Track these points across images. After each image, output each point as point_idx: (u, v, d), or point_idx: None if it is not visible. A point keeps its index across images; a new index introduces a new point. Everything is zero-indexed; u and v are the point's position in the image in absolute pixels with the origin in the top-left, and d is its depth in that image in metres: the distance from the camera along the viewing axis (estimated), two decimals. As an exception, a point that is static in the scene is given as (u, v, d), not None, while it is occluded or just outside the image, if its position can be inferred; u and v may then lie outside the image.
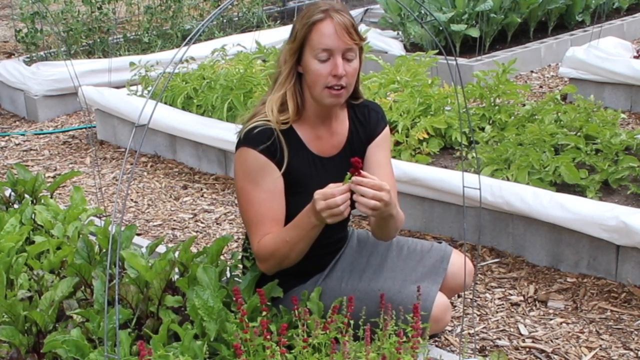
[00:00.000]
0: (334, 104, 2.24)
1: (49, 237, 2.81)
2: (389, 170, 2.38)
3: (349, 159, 2.36)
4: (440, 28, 6.24)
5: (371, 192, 2.02)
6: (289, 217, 2.24)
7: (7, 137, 5.43)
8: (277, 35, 6.41)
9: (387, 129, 2.42)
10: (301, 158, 2.28)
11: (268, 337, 1.97)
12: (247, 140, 2.23)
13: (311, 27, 2.15)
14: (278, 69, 2.27)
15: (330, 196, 2.02)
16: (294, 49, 2.19)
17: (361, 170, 2.06)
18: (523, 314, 2.87)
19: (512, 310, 2.90)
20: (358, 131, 2.37)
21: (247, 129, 2.24)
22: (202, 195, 4.18)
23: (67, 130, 5.48)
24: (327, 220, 2.05)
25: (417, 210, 3.56)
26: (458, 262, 2.45)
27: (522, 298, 2.98)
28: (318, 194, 2.04)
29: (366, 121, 2.38)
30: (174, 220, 3.89)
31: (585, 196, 3.13)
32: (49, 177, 4.58)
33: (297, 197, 2.28)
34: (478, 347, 2.66)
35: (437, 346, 2.59)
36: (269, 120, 2.24)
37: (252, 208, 2.23)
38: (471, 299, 2.95)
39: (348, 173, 2.05)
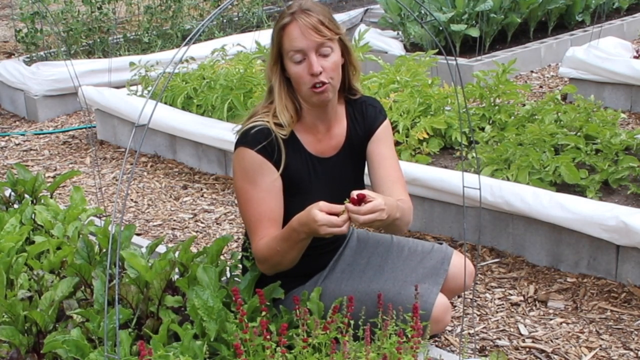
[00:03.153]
0: (321, 101, 2.23)
1: (49, 237, 2.81)
2: (393, 163, 2.38)
3: (349, 158, 2.36)
4: (440, 28, 6.24)
5: (368, 220, 2.02)
6: (289, 217, 2.24)
7: (7, 137, 5.43)
8: (277, 35, 6.38)
9: (386, 122, 2.42)
10: (299, 159, 2.29)
11: (268, 337, 1.97)
12: (244, 140, 2.25)
13: (281, 33, 2.18)
14: (268, 80, 2.28)
15: (334, 225, 2.02)
16: (274, 57, 2.22)
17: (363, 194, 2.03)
18: (523, 314, 2.87)
19: (512, 310, 2.90)
20: (356, 128, 2.37)
21: (245, 129, 2.26)
22: (202, 195, 4.18)
23: (67, 130, 5.49)
24: (325, 233, 2.06)
25: (417, 210, 3.55)
26: (459, 263, 2.45)
27: (522, 298, 2.98)
28: (323, 220, 2.02)
29: (364, 117, 2.38)
30: (174, 220, 3.89)
31: (585, 196, 3.14)
32: (49, 177, 4.58)
33: (296, 197, 2.28)
34: (478, 347, 2.66)
35: (437, 346, 2.59)
36: (267, 121, 2.24)
37: (251, 207, 2.24)
38: (471, 299, 2.95)
39: (347, 200, 2.02)
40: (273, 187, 2.24)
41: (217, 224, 3.81)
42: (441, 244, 2.54)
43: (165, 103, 4.75)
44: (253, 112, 2.31)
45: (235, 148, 2.27)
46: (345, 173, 2.36)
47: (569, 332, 2.73)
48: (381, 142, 2.38)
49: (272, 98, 2.28)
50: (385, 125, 2.41)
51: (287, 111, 2.25)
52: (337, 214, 2.03)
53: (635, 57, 5.33)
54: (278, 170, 2.24)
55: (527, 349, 2.64)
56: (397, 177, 2.34)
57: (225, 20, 7.38)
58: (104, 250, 2.67)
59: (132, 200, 4.18)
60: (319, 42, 2.15)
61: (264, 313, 2.08)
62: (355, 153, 2.37)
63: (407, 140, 3.75)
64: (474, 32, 6.08)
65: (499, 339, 2.72)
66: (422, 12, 6.55)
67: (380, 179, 2.33)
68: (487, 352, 2.62)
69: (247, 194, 2.24)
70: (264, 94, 2.36)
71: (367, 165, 2.39)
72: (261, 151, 2.22)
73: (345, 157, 2.36)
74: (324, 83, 2.18)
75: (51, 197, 3.27)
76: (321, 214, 2.02)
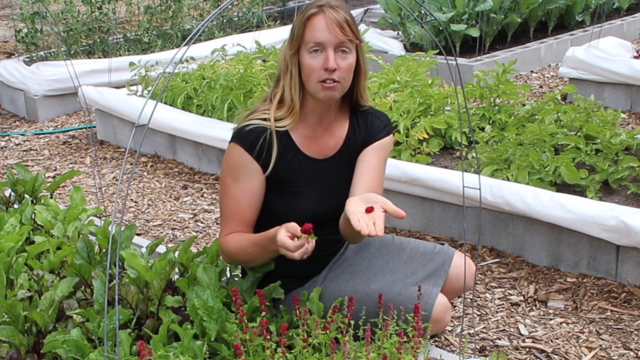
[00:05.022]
0: (328, 98, 2.22)
1: (49, 237, 2.81)
2: (377, 176, 2.33)
3: (345, 162, 2.35)
4: (440, 28, 6.24)
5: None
6: (277, 215, 2.25)
7: (7, 137, 5.43)
8: (277, 35, 6.41)
9: (389, 138, 2.39)
10: (291, 159, 2.28)
11: (268, 337, 1.97)
12: (237, 136, 2.27)
13: (305, 22, 2.18)
14: (279, 67, 2.28)
15: (286, 249, 2.01)
16: (293, 46, 2.21)
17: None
18: (523, 314, 2.87)
19: (512, 310, 2.90)
20: (356, 134, 2.36)
21: (241, 125, 2.28)
22: (202, 195, 4.18)
23: (67, 130, 5.48)
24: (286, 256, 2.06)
25: (417, 210, 3.56)
26: (460, 264, 2.44)
27: (522, 298, 2.98)
28: (280, 240, 2.01)
29: (367, 126, 2.36)
30: (174, 220, 3.89)
31: (585, 196, 3.14)
32: (49, 177, 4.58)
33: (286, 196, 2.29)
34: (478, 347, 2.67)
35: (437, 346, 2.59)
36: (265, 119, 2.25)
37: (226, 201, 2.30)
38: (471, 299, 2.95)
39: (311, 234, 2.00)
40: (251, 190, 2.27)
41: (217, 224, 3.81)
42: (442, 244, 2.54)
43: (165, 103, 4.75)
44: (254, 109, 2.32)
45: (229, 142, 2.30)
46: (339, 176, 2.35)
47: (569, 332, 2.73)
48: (375, 152, 2.35)
49: (277, 90, 2.28)
50: (387, 141, 2.38)
51: (295, 99, 2.24)
52: (296, 237, 2.01)
53: (635, 57, 5.33)
54: (265, 171, 2.25)
55: (527, 349, 2.64)
56: (373, 190, 2.27)
57: (225, 20, 7.37)
58: (104, 250, 2.67)
59: (132, 200, 4.18)
60: (341, 39, 2.16)
61: (264, 313, 2.08)
62: (351, 158, 2.36)
63: (407, 140, 3.75)
64: (474, 32, 6.09)
65: (499, 339, 2.72)
66: (422, 12, 6.55)
67: (356, 185, 2.28)
68: (487, 352, 2.62)
69: (227, 187, 2.29)
70: (267, 89, 2.36)
71: (354, 169, 2.34)
72: (250, 150, 2.24)
73: (340, 160, 2.35)
74: (334, 81, 2.18)
75: (51, 197, 3.27)
76: (282, 233, 2.02)
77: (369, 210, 1.94)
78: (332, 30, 2.14)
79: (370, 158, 2.34)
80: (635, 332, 2.71)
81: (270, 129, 2.24)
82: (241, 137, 2.25)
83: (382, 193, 2.34)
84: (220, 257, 2.44)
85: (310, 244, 2.01)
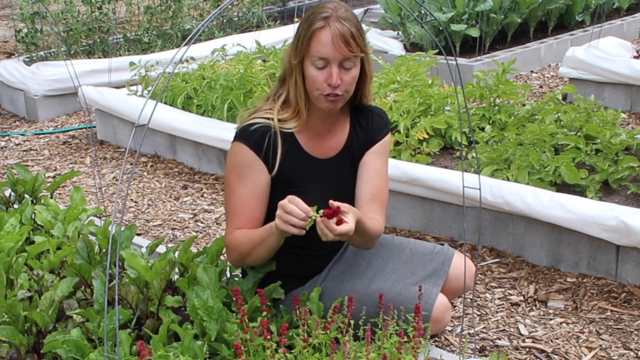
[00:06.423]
0: (330, 109, 2.25)
1: (49, 237, 2.81)
2: (381, 180, 2.36)
3: (348, 162, 2.36)
4: (440, 28, 6.24)
5: (331, 236, 2.03)
6: None
7: (7, 137, 5.43)
8: (277, 35, 6.41)
9: (388, 136, 2.41)
10: (295, 159, 2.29)
11: (268, 337, 1.97)
12: (241, 135, 2.27)
13: (311, 35, 2.16)
14: (285, 72, 2.28)
15: (289, 212, 2.03)
16: (297, 55, 2.20)
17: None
18: (523, 314, 2.87)
19: (512, 310, 2.90)
20: (358, 135, 2.36)
21: (245, 124, 2.28)
22: (202, 195, 4.18)
23: (67, 130, 5.49)
24: (282, 227, 2.06)
25: (417, 210, 3.56)
26: (460, 264, 2.44)
27: (522, 298, 2.98)
28: (284, 200, 2.04)
29: (369, 126, 2.37)
30: (174, 220, 3.89)
31: (585, 196, 3.14)
32: (49, 177, 4.58)
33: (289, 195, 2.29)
34: (478, 347, 2.67)
35: (437, 346, 2.59)
36: (268, 118, 2.25)
37: (232, 200, 2.29)
38: (471, 299, 2.95)
39: (321, 212, 2.02)
40: (258, 188, 2.26)
41: (217, 224, 3.81)
42: (442, 244, 2.54)
43: (165, 103, 4.75)
44: (257, 108, 2.32)
45: (233, 141, 2.29)
46: (341, 176, 2.36)
47: (569, 332, 2.73)
48: (378, 155, 2.37)
49: (281, 91, 2.28)
50: (387, 140, 2.40)
51: (301, 105, 2.25)
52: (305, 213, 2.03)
53: (635, 57, 5.33)
54: (271, 170, 2.25)
55: (527, 349, 2.64)
56: (379, 195, 2.33)
57: (225, 20, 7.37)
58: (104, 250, 2.67)
59: (132, 200, 4.18)
60: (346, 55, 2.14)
61: (264, 313, 2.08)
62: (354, 158, 2.37)
63: (407, 140, 3.75)
64: (474, 32, 6.09)
65: (499, 339, 2.72)
66: (422, 12, 6.55)
67: (362, 191, 2.32)
68: (487, 352, 2.62)
69: (232, 187, 2.28)
70: (271, 89, 2.36)
71: (357, 174, 2.37)
72: (255, 149, 2.24)
73: (344, 160, 2.36)
74: (337, 95, 2.18)
75: (51, 197, 3.27)
76: (284, 200, 2.04)
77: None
78: (337, 46, 2.13)
79: (374, 163, 2.36)
80: (635, 332, 2.71)
81: (274, 129, 2.24)
82: (246, 136, 2.25)
83: (387, 194, 2.38)
84: (224, 257, 2.44)
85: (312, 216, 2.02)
